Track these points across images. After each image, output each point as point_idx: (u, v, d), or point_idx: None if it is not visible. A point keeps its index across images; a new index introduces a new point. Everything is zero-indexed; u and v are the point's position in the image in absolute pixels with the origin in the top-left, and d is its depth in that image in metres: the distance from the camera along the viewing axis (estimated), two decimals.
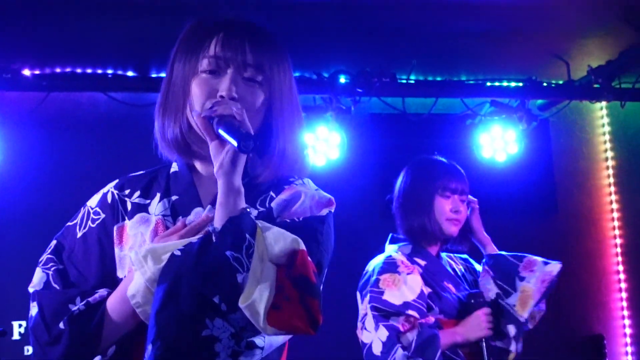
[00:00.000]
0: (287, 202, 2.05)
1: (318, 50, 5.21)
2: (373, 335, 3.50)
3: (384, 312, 3.49)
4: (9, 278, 4.91)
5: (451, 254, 3.90)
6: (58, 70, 5.21)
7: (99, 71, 5.30)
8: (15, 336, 4.78)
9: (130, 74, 5.30)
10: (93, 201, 2.14)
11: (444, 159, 3.81)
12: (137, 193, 2.12)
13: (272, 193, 2.07)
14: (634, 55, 5.25)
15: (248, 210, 1.92)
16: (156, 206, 2.09)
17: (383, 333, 3.47)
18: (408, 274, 3.54)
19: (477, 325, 3.49)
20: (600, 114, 6.35)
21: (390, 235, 3.81)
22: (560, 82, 5.74)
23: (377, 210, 5.49)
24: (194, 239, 1.88)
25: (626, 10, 4.81)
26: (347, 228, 5.52)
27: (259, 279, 1.79)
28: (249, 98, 1.98)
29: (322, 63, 5.35)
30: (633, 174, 6.28)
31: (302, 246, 1.86)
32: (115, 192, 2.13)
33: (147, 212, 2.09)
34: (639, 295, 6.12)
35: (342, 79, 5.39)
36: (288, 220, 2.00)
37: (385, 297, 3.52)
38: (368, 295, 3.58)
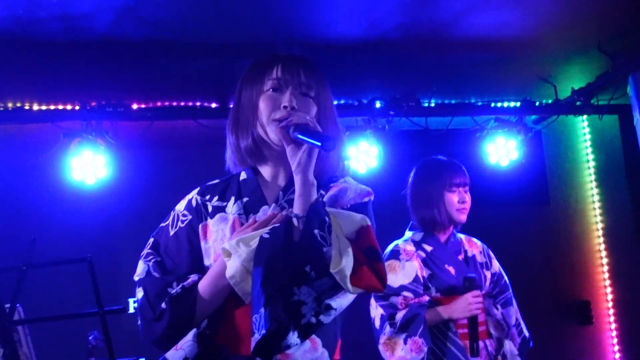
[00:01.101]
0: (336, 196, 2.06)
1: (358, 81, 5.26)
2: (375, 312, 3.51)
3: (383, 294, 3.44)
4: (124, 266, 5.03)
5: (471, 237, 3.81)
6: (159, 104, 5.30)
7: (190, 104, 5.36)
8: (131, 310, 4.82)
9: (213, 105, 5.38)
10: (180, 206, 2.17)
11: (445, 158, 3.74)
12: (216, 197, 2.14)
13: (322, 191, 2.07)
14: (608, 78, 5.21)
15: (320, 200, 1.96)
16: (232, 207, 2.10)
17: (379, 311, 3.46)
18: (407, 260, 3.52)
19: (462, 307, 3.40)
20: (582, 125, 6.33)
21: (410, 222, 3.76)
22: (550, 101, 5.73)
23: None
24: (274, 225, 1.91)
25: (600, 41, 4.83)
26: (384, 221, 5.62)
27: (340, 251, 1.83)
28: (305, 109, 2.04)
29: (361, 92, 5.37)
30: (609, 173, 6.25)
31: (369, 222, 1.92)
32: (198, 197, 2.15)
33: (225, 212, 2.10)
34: (618, 268, 6.10)
35: (378, 104, 5.41)
36: (339, 209, 2.00)
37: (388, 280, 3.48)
38: None
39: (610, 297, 6.09)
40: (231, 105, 2.16)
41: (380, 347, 3.47)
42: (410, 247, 3.60)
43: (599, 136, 6.32)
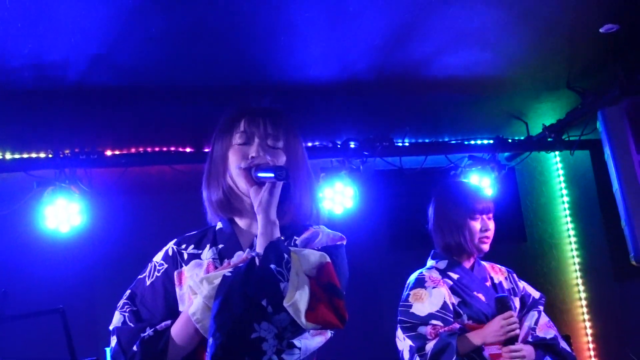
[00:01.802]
0: (307, 240, 2.12)
1: (332, 123, 5.30)
2: (403, 344, 3.33)
3: (411, 324, 3.28)
4: (100, 314, 4.74)
5: (494, 264, 3.65)
6: (133, 150, 5.27)
7: (164, 149, 5.34)
8: (108, 359, 4.84)
9: (188, 149, 5.36)
10: (158, 257, 2.21)
11: (467, 181, 3.56)
12: (192, 246, 2.18)
13: (295, 237, 2.13)
14: (578, 114, 5.27)
15: (282, 238, 1.99)
16: (207, 252, 2.14)
17: (407, 343, 3.28)
18: (433, 287, 3.32)
19: (495, 329, 3.19)
20: (554, 161, 6.38)
21: (432, 251, 3.56)
22: (522, 137, 5.79)
23: (385, 244, 5.61)
24: (238, 265, 1.94)
25: (569, 79, 4.91)
26: (361, 261, 5.56)
27: (297, 286, 1.85)
28: (274, 160, 2.08)
29: (335, 133, 5.40)
30: (583, 206, 6.29)
31: (328, 259, 1.96)
32: (175, 247, 2.19)
33: (200, 258, 2.14)
34: (596, 302, 6.12)
35: (352, 145, 5.43)
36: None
37: (413, 309, 3.29)
38: (399, 309, 3.37)
39: (589, 331, 6.10)
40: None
41: None
42: (436, 275, 3.40)
43: (572, 171, 6.37)
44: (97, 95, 4.48)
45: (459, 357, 3.16)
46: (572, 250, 6.25)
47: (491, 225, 3.48)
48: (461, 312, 3.31)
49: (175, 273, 2.14)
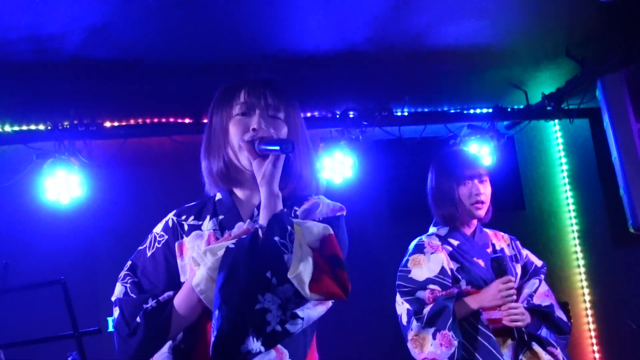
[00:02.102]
0: (308, 211, 2.13)
1: (331, 93, 5.30)
2: (401, 308, 3.36)
3: (409, 289, 3.32)
4: (101, 285, 4.97)
5: (497, 231, 3.66)
6: (132, 121, 5.28)
7: (164, 120, 5.34)
8: (110, 329, 4.76)
9: (187, 120, 5.36)
10: (158, 228, 2.21)
11: (459, 149, 3.49)
12: (192, 217, 2.19)
13: (295, 208, 2.13)
14: (577, 82, 5.27)
15: (285, 210, 2.01)
16: (207, 224, 2.15)
17: (405, 307, 3.32)
18: (432, 253, 3.35)
19: (493, 294, 3.19)
20: (554, 129, 6.37)
21: (434, 218, 3.56)
22: (521, 106, 5.79)
23: (385, 214, 5.63)
24: (241, 237, 1.95)
25: (568, 47, 4.90)
26: (361, 230, 5.58)
27: (300, 258, 1.88)
28: (275, 130, 2.08)
29: (335, 103, 5.40)
30: (582, 175, 6.30)
31: (331, 231, 1.97)
32: (175, 218, 2.20)
33: (200, 229, 2.15)
34: (594, 269, 6.15)
35: (351, 115, 5.43)
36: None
37: (411, 275, 3.33)
38: (398, 274, 3.40)
39: (587, 298, 6.13)
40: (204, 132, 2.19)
41: (409, 344, 3.31)
42: (436, 241, 3.42)
43: (571, 139, 6.37)
44: (95, 67, 4.46)
45: (456, 321, 3.18)
46: (570, 218, 6.27)
47: (484, 189, 3.45)
48: (460, 277, 3.33)
49: (176, 244, 2.15)
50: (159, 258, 2.14)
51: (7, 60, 4.19)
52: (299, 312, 1.90)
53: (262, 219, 1.97)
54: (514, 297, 3.24)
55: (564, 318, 3.42)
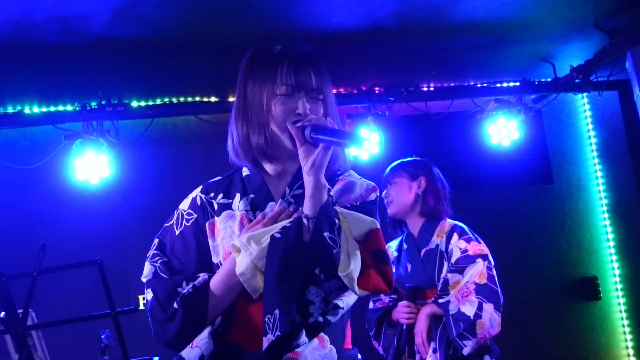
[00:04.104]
0: (342, 191, 2.07)
1: (357, 69, 5.26)
2: None
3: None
4: (132, 264, 5.03)
5: (445, 223, 3.72)
6: (159, 101, 5.31)
7: (189, 99, 5.35)
8: (141, 307, 4.82)
9: (213, 99, 5.36)
10: (184, 205, 2.17)
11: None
12: (220, 195, 2.14)
13: (329, 187, 2.00)
14: (606, 54, 5.20)
15: (330, 200, 1.95)
16: (238, 203, 2.10)
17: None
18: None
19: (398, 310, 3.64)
20: (582, 102, 6.31)
21: None
22: (549, 79, 5.73)
23: None
24: (284, 223, 1.92)
25: (597, 18, 4.83)
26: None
27: (349, 254, 1.86)
28: (316, 112, 2.02)
29: (360, 80, 5.37)
30: (611, 148, 6.25)
31: (377, 225, 1.95)
32: (203, 195, 2.15)
33: (231, 209, 2.10)
34: (624, 243, 6.11)
35: (377, 90, 5.39)
36: (348, 205, 2.02)
37: None
38: None
39: (617, 272, 6.11)
40: (235, 98, 2.12)
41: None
42: (392, 249, 3.80)
43: (600, 112, 6.31)
44: (121, 47, 4.48)
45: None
46: (599, 192, 6.23)
47: (392, 192, 3.77)
48: (397, 285, 3.74)
49: (207, 224, 2.12)
50: (188, 237, 2.11)
51: (35, 42, 4.22)
52: (340, 302, 1.91)
53: (308, 209, 1.92)
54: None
55: (466, 314, 3.44)
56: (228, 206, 2.12)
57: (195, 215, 2.14)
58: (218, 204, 2.13)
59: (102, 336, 4.09)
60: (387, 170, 3.84)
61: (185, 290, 2.00)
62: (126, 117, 5.17)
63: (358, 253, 1.88)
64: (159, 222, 2.27)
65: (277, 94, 2.02)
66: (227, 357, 1.99)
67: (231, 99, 5.25)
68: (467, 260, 3.52)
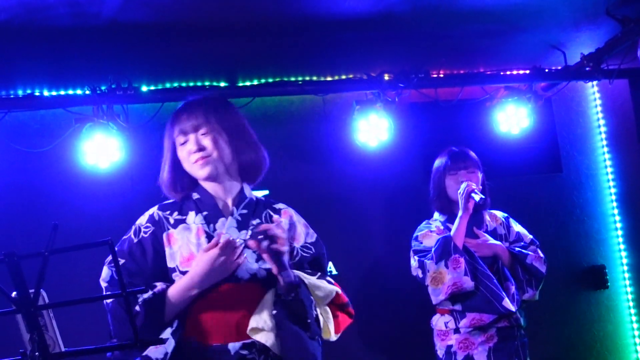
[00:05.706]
0: (290, 227, 2.63)
1: (366, 55, 5.26)
2: (415, 264, 4.14)
3: (423, 252, 4.12)
4: None
5: (493, 212, 4.37)
6: (168, 85, 5.31)
7: (199, 83, 5.33)
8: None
9: (222, 84, 5.34)
10: (142, 220, 2.62)
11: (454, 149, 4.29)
12: (176, 212, 2.61)
13: (268, 210, 2.65)
14: (617, 43, 5.18)
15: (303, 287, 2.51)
16: (194, 218, 2.56)
17: (417, 259, 4.13)
18: (435, 232, 4.22)
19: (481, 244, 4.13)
20: (592, 90, 6.30)
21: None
22: (559, 67, 5.70)
23: (420, 178, 5.61)
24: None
25: (609, 6, 4.81)
26: (397, 192, 5.64)
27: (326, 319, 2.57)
28: (216, 146, 2.67)
29: (370, 66, 5.35)
30: (621, 137, 6.23)
31: (338, 289, 2.62)
32: (160, 212, 2.62)
33: (186, 223, 2.56)
34: (632, 232, 6.11)
35: (387, 77, 5.37)
36: (306, 255, 2.62)
37: (424, 244, 4.17)
38: (412, 244, 4.25)
39: (625, 261, 6.12)
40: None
41: (430, 288, 4.01)
42: (439, 224, 4.27)
43: (610, 101, 6.29)
44: (132, 31, 4.48)
45: (457, 246, 3.97)
46: (608, 180, 6.22)
47: (474, 178, 4.20)
48: None
49: (165, 234, 2.54)
50: (146, 245, 2.52)
51: (45, 25, 4.23)
52: None
53: (284, 290, 2.45)
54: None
55: (540, 268, 4.15)
56: (183, 221, 2.57)
57: (152, 228, 2.56)
58: (174, 219, 2.57)
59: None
60: (456, 155, 4.31)
61: (146, 295, 2.38)
62: (136, 101, 5.18)
63: (330, 317, 2.59)
64: None
65: (175, 141, 2.75)
66: (187, 353, 2.39)
67: (240, 84, 5.29)
68: (525, 241, 4.28)
